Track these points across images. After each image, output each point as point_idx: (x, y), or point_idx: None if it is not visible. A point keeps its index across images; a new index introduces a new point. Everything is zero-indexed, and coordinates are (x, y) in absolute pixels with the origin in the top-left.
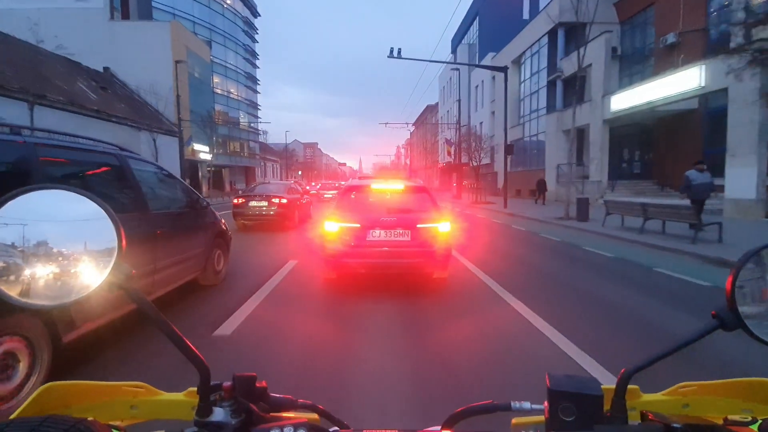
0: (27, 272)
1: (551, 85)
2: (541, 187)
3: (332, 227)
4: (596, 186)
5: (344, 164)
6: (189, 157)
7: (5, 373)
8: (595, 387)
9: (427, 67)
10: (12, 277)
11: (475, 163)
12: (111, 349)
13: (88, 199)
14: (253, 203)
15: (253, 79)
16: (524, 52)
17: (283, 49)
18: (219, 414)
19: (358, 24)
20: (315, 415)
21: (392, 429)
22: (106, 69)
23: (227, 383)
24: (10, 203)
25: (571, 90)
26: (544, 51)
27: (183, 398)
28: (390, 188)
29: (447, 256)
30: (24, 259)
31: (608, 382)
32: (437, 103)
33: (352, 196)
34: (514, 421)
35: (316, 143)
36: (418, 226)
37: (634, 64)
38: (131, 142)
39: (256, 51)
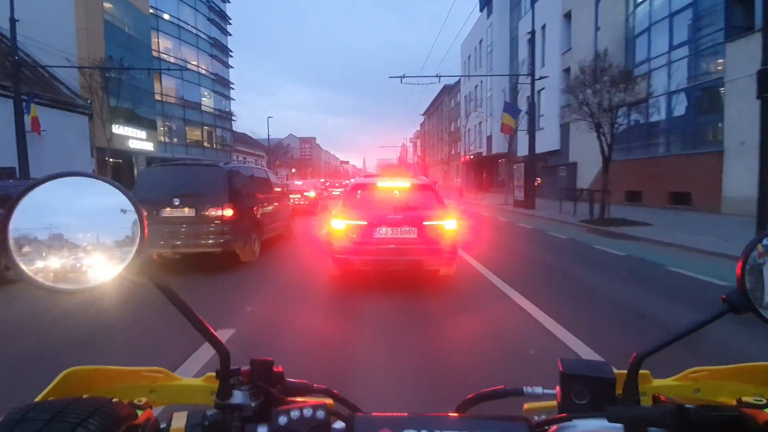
0: (52, 258)
1: None
2: None
3: (339, 225)
4: None
5: (347, 162)
6: (112, 146)
7: None
8: (608, 370)
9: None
10: (38, 263)
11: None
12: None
13: (111, 186)
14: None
15: (222, 49)
16: None
17: (284, 46)
18: (238, 397)
19: (361, 19)
20: (330, 400)
21: (407, 412)
22: None
23: (245, 368)
24: (35, 190)
25: None
26: None
27: (201, 383)
28: (396, 186)
29: (453, 252)
30: (49, 244)
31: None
32: (457, 82)
33: (359, 194)
34: (526, 406)
35: (314, 138)
36: (425, 223)
37: None
38: None
39: (227, 13)
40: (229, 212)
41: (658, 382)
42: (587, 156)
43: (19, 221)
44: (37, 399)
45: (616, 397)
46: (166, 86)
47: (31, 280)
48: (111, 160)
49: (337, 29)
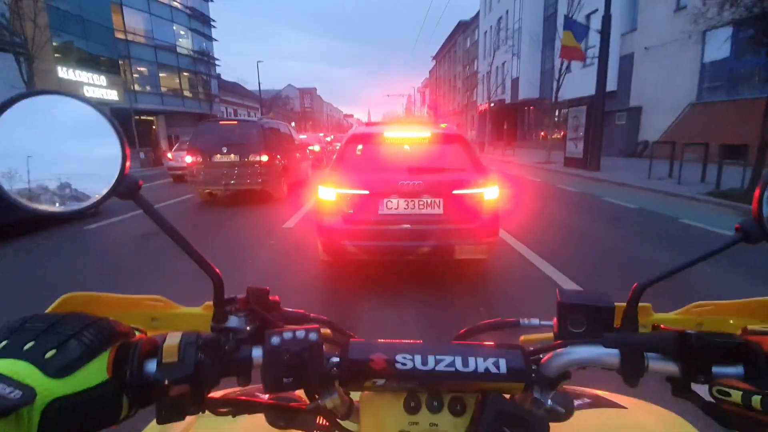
0: (34, 178)
1: None
2: None
3: (328, 194)
4: None
5: (351, 116)
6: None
7: None
8: (607, 300)
9: None
10: (19, 184)
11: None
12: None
13: (90, 107)
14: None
15: None
16: None
17: None
18: (234, 321)
19: None
20: (327, 330)
21: (404, 340)
22: None
23: (241, 296)
24: (10, 109)
25: None
26: None
27: (200, 312)
28: (411, 137)
29: (494, 234)
30: (29, 164)
31: None
32: (474, 17)
33: (358, 150)
34: (522, 337)
35: (315, 89)
36: (455, 192)
37: None
38: None
39: None
40: (264, 158)
41: (659, 316)
42: (659, 98)
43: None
44: None
45: (614, 327)
46: (131, 22)
47: (16, 201)
48: None
49: None
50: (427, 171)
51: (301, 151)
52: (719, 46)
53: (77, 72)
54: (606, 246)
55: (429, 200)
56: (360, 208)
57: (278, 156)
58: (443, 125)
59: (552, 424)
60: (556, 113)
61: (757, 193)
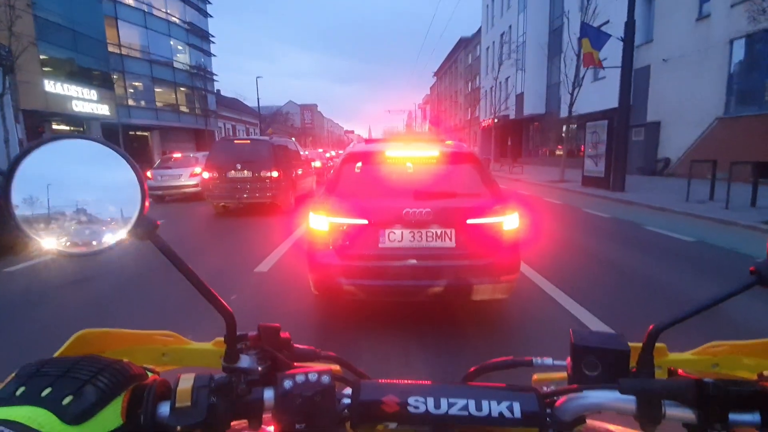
0: (56, 222)
1: None
2: None
3: (320, 224)
4: None
5: (351, 131)
6: (44, 108)
7: None
8: (621, 343)
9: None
10: (41, 226)
11: None
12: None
13: (111, 150)
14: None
15: None
16: None
17: (287, 8)
18: (245, 361)
19: None
20: (337, 366)
21: (415, 380)
22: None
23: (252, 333)
24: (34, 152)
25: None
26: None
27: (211, 347)
28: (416, 156)
29: (515, 270)
30: (52, 209)
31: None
32: (476, 33)
33: (356, 171)
34: (535, 376)
35: (316, 105)
36: (469, 221)
37: None
38: None
39: None
40: (275, 174)
41: (674, 356)
42: (679, 112)
43: (20, 187)
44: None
45: (629, 370)
46: (126, 36)
47: (36, 244)
48: (54, 126)
49: None
50: (436, 196)
51: (306, 166)
52: (749, 54)
53: (65, 85)
54: (675, 294)
55: (439, 231)
56: (357, 240)
57: (287, 171)
58: (449, 142)
59: None
60: (564, 129)
61: None
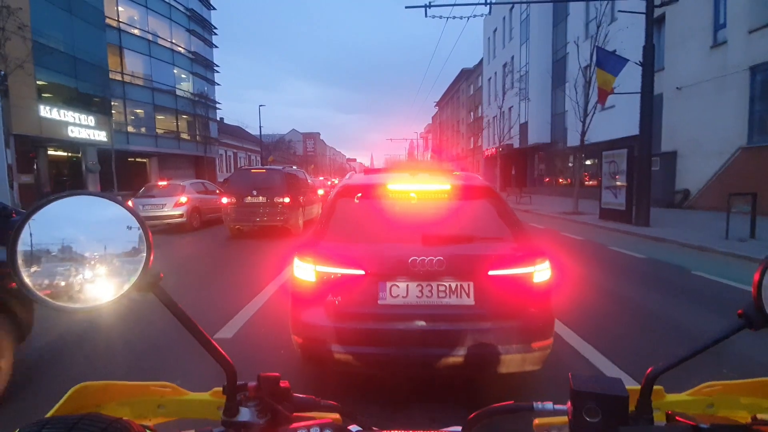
0: (60, 276)
1: None
2: None
3: (307, 274)
4: None
5: (354, 160)
6: (37, 133)
7: None
8: (620, 388)
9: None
10: (45, 281)
11: None
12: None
13: (117, 205)
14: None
15: (203, 24)
16: None
17: (290, 40)
18: (245, 414)
19: (369, 11)
20: (337, 415)
21: (414, 430)
22: None
23: (252, 383)
24: (43, 209)
25: None
26: None
27: (209, 398)
28: (425, 190)
29: (548, 334)
30: (57, 263)
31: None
32: (477, 65)
33: (354, 205)
34: (536, 421)
35: (318, 134)
36: (491, 273)
37: None
38: None
39: None
40: (287, 200)
41: (671, 398)
42: (696, 141)
43: (27, 241)
44: (49, 414)
45: (629, 415)
46: (130, 64)
47: (40, 299)
48: (50, 152)
49: (345, 21)
50: (450, 241)
51: (314, 192)
52: None
53: (62, 111)
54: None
55: (454, 285)
56: (352, 295)
57: (296, 197)
58: (457, 173)
59: None
60: (572, 159)
61: (756, 278)
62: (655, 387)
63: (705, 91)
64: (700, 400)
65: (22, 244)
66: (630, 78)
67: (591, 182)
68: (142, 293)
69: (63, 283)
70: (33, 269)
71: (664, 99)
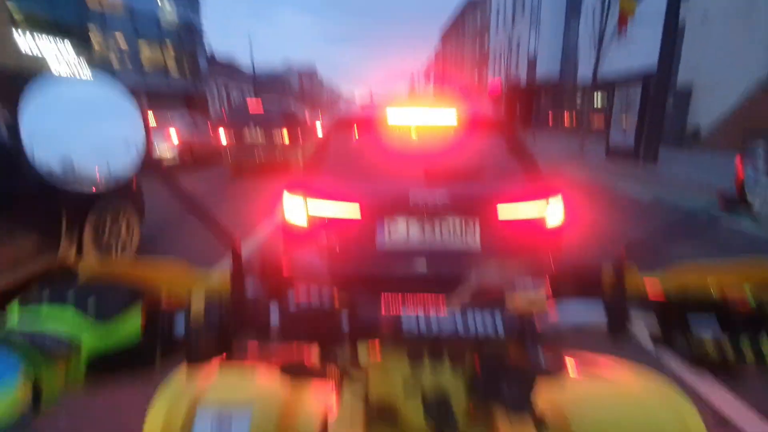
0: (61, 157)
1: None
2: None
3: (297, 212)
4: None
5: (352, 96)
6: (17, 69)
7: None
8: (595, 264)
9: None
10: (49, 161)
11: None
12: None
13: (111, 86)
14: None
15: None
16: None
17: None
18: (250, 286)
19: None
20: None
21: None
22: None
23: (256, 264)
24: (36, 91)
25: None
26: None
27: (218, 279)
28: (429, 123)
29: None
30: (57, 144)
31: None
32: None
33: (356, 141)
34: (516, 299)
35: (315, 70)
36: (499, 210)
37: None
38: None
39: None
40: (285, 138)
41: (645, 278)
42: (716, 76)
43: (29, 132)
44: None
45: (602, 289)
46: None
47: (45, 175)
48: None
49: None
50: (455, 177)
51: (312, 130)
52: None
53: (39, 43)
54: None
55: (458, 224)
56: (347, 237)
57: (296, 135)
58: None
59: (543, 384)
60: (580, 94)
61: (739, 160)
62: (629, 267)
63: (731, 19)
64: (671, 278)
65: (26, 135)
66: (649, 6)
67: (599, 121)
68: (146, 173)
69: (63, 164)
70: (35, 149)
71: (686, 29)
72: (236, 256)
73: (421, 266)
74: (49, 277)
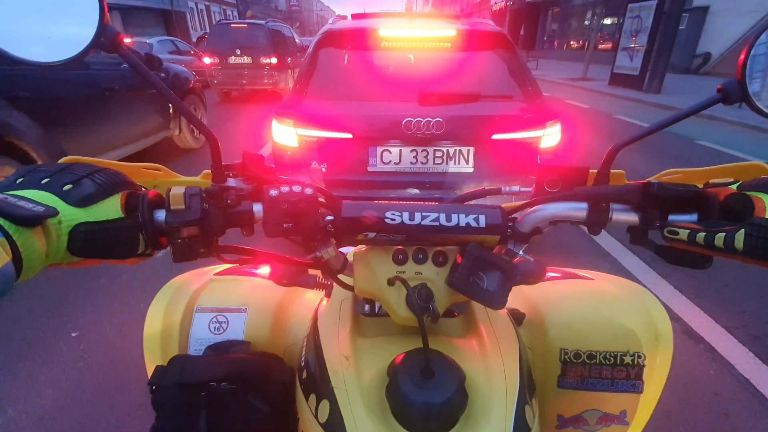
0: (19, 27)
1: None
2: None
3: (285, 135)
4: None
5: (345, 17)
6: None
7: None
8: (583, 164)
9: None
10: (5, 31)
11: None
12: None
13: None
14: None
15: None
16: None
17: None
18: (232, 182)
19: None
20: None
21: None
22: None
23: (238, 162)
24: None
25: None
26: None
27: (200, 180)
28: (424, 37)
29: None
30: (9, 15)
31: None
32: None
33: (343, 59)
34: (504, 205)
35: None
36: (495, 137)
37: None
38: None
39: None
40: (273, 60)
41: (631, 182)
42: None
43: None
44: None
45: (587, 185)
46: None
47: (3, 50)
48: None
49: None
50: (451, 100)
51: (302, 53)
52: None
53: None
54: None
55: (452, 150)
56: (338, 162)
57: (284, 57)
58: (480, 20)
59: (526, 287)
60: (590, 14)
61: (744, 52)
62: (616, 171)
63: None
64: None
65: None
66: None
67: (605, 45)
68: (106, 52)
69: (21, 36)
70: None
71: None
72: (215, 152)
73: (412, 188)
74: (21, 170)
